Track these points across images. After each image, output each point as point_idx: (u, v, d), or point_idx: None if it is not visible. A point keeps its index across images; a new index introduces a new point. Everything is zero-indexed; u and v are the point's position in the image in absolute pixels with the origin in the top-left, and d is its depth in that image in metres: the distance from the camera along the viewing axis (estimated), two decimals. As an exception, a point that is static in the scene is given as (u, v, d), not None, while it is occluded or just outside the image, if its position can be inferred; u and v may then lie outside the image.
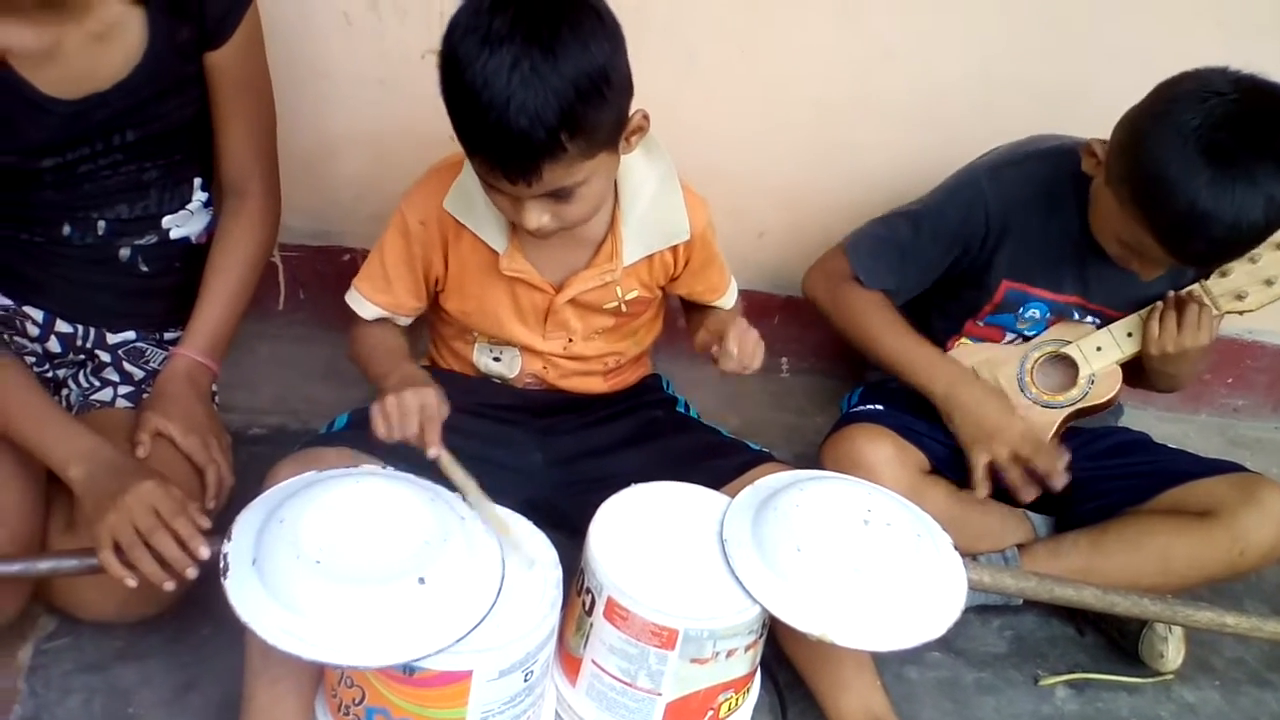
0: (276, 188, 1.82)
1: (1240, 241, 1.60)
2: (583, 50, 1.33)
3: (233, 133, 1.72)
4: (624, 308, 1.71)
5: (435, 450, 1.42)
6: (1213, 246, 1.59)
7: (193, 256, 1.76)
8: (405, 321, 1.72)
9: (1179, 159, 1.54)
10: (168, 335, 1.78)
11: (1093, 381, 1.85)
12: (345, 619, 1.19)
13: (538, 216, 1.46)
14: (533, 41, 1.31)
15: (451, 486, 1.41)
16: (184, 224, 1.73)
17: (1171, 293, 1.80)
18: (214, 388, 1.77)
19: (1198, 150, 1.53)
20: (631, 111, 1.47)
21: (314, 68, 1.98)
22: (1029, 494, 1.78)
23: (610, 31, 1.39)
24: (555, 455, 1.72)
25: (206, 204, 1.77)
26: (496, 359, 1.76)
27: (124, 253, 1.70)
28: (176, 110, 1.63)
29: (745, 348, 1.56)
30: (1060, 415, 1.86)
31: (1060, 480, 1.76)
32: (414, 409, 1.44)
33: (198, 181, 1.74)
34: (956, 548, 1.52)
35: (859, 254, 1.89)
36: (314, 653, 1.17)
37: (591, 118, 1.36)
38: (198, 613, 1.56)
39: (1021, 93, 2.08)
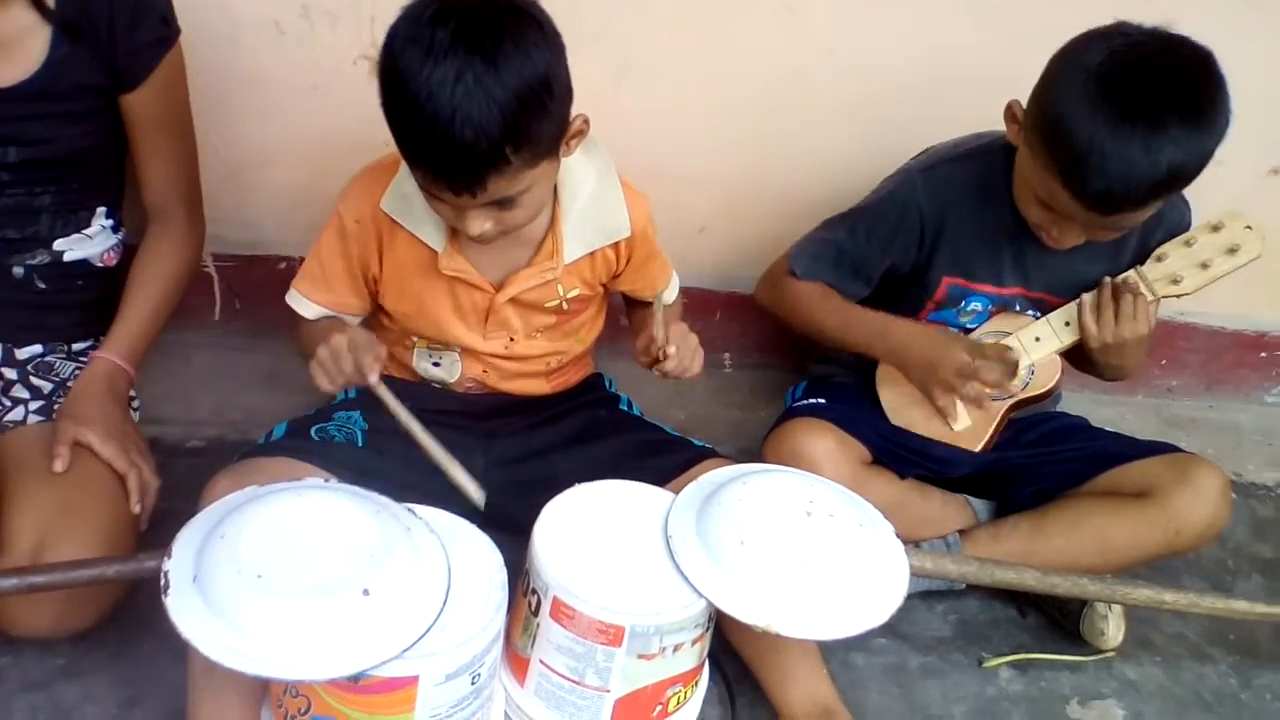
0: (199, 211, 1.83)
1: (1140, 181, 1.58)
2: (525, 61, 1.34)
3: (153, 167, 1.73)
4: (565, 306, 1.72)
5: (374, 377, 1.46)
6: (1112, 184, 1.57)
7: (98, 276, 1.77)
8: (353, 320, 1.72)
9: (1080, 94, 1.56)
10: (77, 347, 1.77)
11: (1033, 372, 1.87)
12: (289, 633, 1.17)
13: (480, 224, 1.46)
14: (475, 53, 1.31)
15: (398, 493, 1.41)
16: (79, 247, 1.73)
17: (1107, 279, 1.82)
18: (132, 394, 1.76)
19: (1098, 87, 1.55)
20: (572, 116, 1.48)
21: (245, 76, 1.97)
22: (996, 406, 1.78)
23: (551, 40, 1.40)
24: (498, 458, 1.72)
25: (115, 228, 1.77)
26: (436, 364, 1.75)
27: (17, 270, 1.70)
28: (71, 140, 1.63)
29: (685, 349, 1.59)
30: (1002, 407, 1.88)
31: (1013, 386, 1.78)
32: (343, 346, 1.46)
33: (101, 210, 1.74)
34: (899, 535, 1.54)
35: (799, 256, 1.91)
36: (259, 668, 1.16)
37: (535, 128, 1.37)
38: (139, 628, 1.55)
39: (964, 85, 2.09)
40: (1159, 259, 1.81)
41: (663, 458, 1.69)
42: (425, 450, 1.50)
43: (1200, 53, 1.59)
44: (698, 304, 2.30)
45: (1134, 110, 1.55)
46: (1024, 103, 1.70)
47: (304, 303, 1.68)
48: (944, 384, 1.78)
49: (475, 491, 1.49)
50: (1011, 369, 1.78)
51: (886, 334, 1.83)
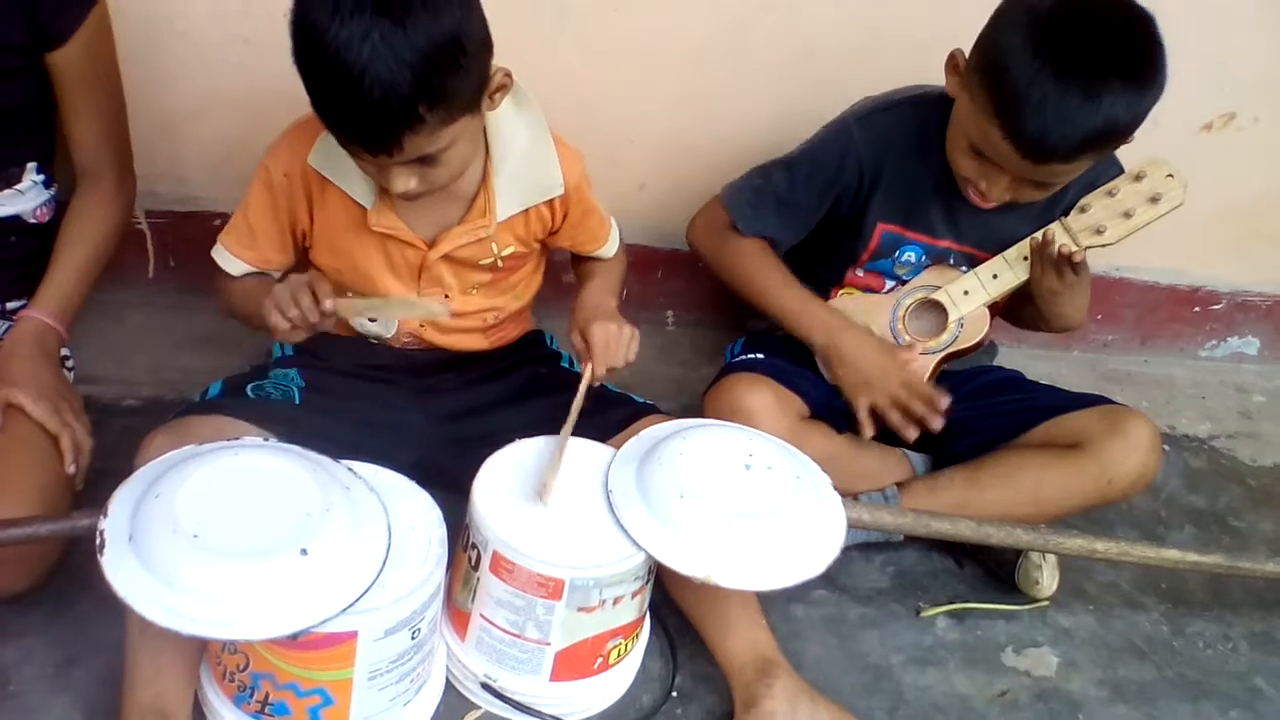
0: (130, 169, 1.81)
1: (1075, 128, 1.59)
2: (433, 19, 1.32)
3: (81, 126, 1.71)
4: (500, 263, 1.71)
5: (329, 303, 1.45)
6: (1048, 128, 1.58)
7: (30, 233, 1.74)
8: (274, 276, 1.69)
9: (1025, 36, 1.58)
10: (10, 305, 1.75)
11: (962, 325, 1.89)
12: (226, 593, 1.17)
13: (404, 181, 1.45)
14: (382, 13, 1.29)
15: (337, 451, 1.40)
16: (11, 203, 1.70)
17: (1035, 235, 1.83)
18: (65, 353, 1.75)
19: (1044, 31, 1.57)
20: (493, 70, 1.46)
21: (174, 27, 1.93)
22: (910, 434, 1.81)
23: None
24: (436, 414, 1.71)
25: (47, 184, 1.75)
26: (373, 319, 1.74)
27: None
28: None
29: (616, 355, 1.60)
30: (933, 361, 1.90)
31: (937, 423, 1.80)
32: (299, 283, 1.46)
33: (31, 165, 1.71)
34: (837, 488, 1.55)
35: (737, 203, 1.91)
36: (194, 628, 1.15)
37: (449, 86, 1.35)
38: (76, 588, 1.53)
39: (899, 40, 2.10)
40: (1082, 210, 1.82)
41: (604, 414, 1.68)
42: (385, 308, 1.54)
43: (1144, 14, 1.61)
44: (640, 261, 2.30)
45: (1078, 59, 1.57)
46: (967, 53, 1.71)
47: (229, 259, 1.65)
48: (875, 402, 1.81)
49: (438, 306, 1.54)
50: (939, 411, 1.80)
51: (832, 330, 1.85)
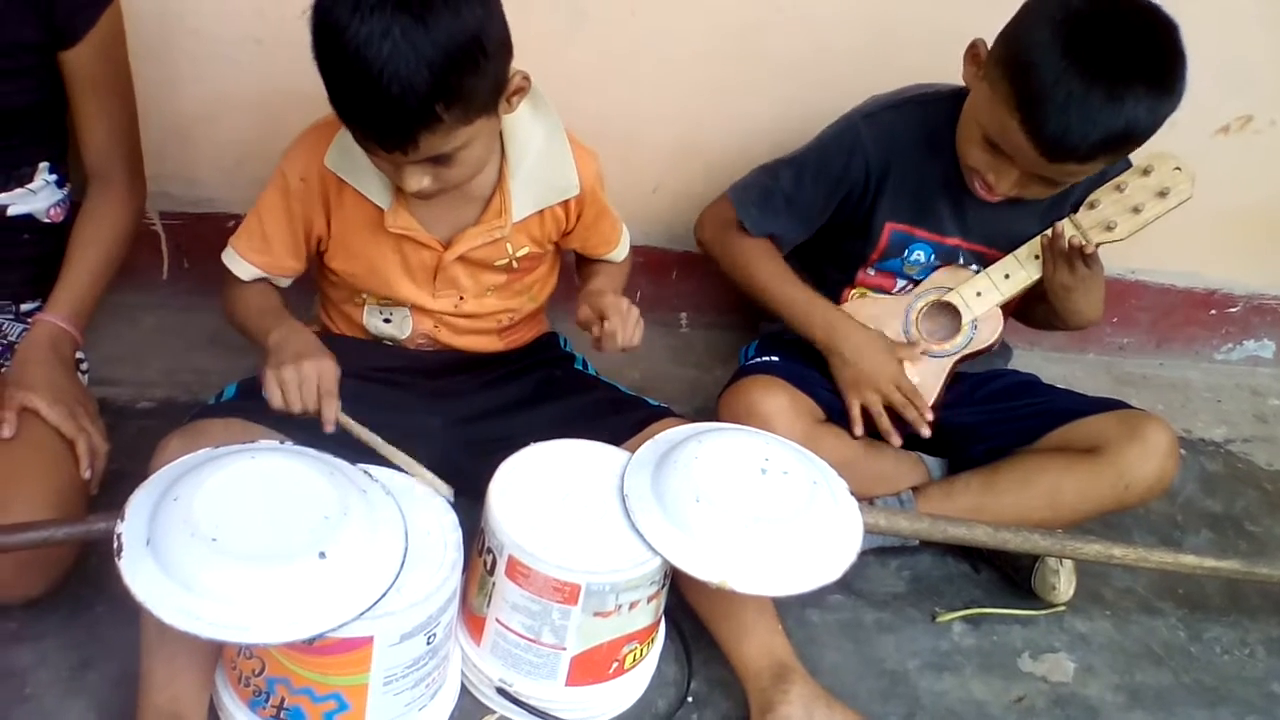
0: (140, 172, 1.81)
1: (1095, 130, 1.59)
2: (454, 17, 1.32)
3: (92, 126, 1.71)
4: (515, 264, 1.70)
5: (331, 427, 1.44)
6: (1069, 127, 1.58)
7: (45, 232, 1.74)
8: (284, 283, 1.70)
9: (1056, 34, 1.58)
10: (25, 307, 1.75)
11: (976, 326, 1.88)
12: (243, 596, 1.17)
13: (418, 180, 1.45)
14: (403, 10, 1.29)
15: (353, 454, 1.40)
16: (24, 202, 1.70)
17: (1048, 232, 1.82)
18: (79, 356, 1.74)
19: (1074, 31, 1.57)
20: (511, 72, 1.46)
21: (186, 24, 1.92)
22: (895, 439, 1.83)
23: None
24: (451, 417, 1.71)
25: (59, 183, 1.74)
26: (387, 320, 1.74)
27: None
28: (9, 96, 1.60)
29: (627, 329, 1.59)
30: (948, 363, 1.89)
31: (924, 430, 1.82)
32: (312, 379, 1.44)
33: (44, 165, 1.71)
34: (853, 492, 1.55)
35: (744, 202, 1.91)
36: (212, 631, 1.15)
37: (467, 85, 1.35)
38: (92, 592, 1.53)
39: (909, 40, 2.09)
40: (1091, 206, 1.81)
41: (618, 417, 1.68)
42: (391, 458, 1.49)
43: (1170, 23, 1.61)
44: (653, 263, 2.30)
45: (1106, 60, 1.56)
46: (988, 44, 1.71)
47: (240, 263, 1.65)
48: (865, 401, 1.83)
49: (444, 488, 1.48)
50: (927, 421, 1.83)
51: (832, 327, 1.86)
